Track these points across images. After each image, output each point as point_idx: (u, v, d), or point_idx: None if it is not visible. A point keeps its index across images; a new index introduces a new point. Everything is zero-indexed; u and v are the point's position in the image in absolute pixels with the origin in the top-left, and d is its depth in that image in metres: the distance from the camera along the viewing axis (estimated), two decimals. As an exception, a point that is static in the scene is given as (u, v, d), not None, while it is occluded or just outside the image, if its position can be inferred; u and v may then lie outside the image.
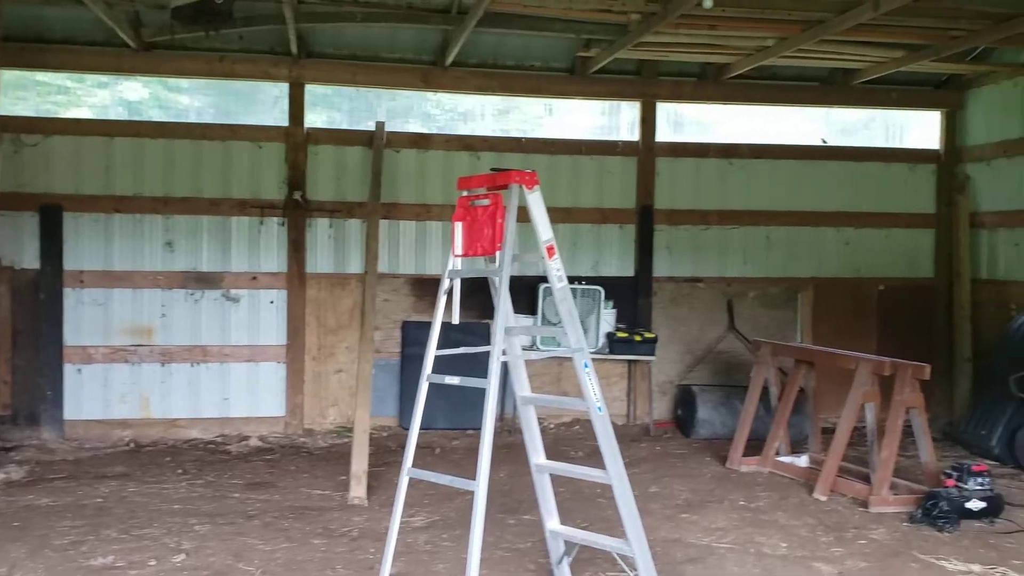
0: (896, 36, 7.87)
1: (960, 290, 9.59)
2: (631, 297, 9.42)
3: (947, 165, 9.96)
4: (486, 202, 4.49)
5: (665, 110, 9.64)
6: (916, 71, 9.15)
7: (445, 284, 4.61)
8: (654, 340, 8.94)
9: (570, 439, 8.62)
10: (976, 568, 5.30)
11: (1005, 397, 8.04)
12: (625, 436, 8.92)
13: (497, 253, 4.41)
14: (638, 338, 8.90)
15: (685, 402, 9.13)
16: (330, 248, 9.04)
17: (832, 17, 7.29)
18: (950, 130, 9.98)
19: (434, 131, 9.50)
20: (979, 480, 6.23)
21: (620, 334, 8.91)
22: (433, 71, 9.01)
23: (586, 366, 4.41)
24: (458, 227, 4.56)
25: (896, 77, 9.36)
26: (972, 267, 9.61)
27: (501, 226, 4.37)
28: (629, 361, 9.26)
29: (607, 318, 9.03)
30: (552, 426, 9.09)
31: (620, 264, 9.53)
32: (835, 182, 9.82)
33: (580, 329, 4.46)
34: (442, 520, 6.06)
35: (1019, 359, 8.09)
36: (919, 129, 10.22)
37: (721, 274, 9.67)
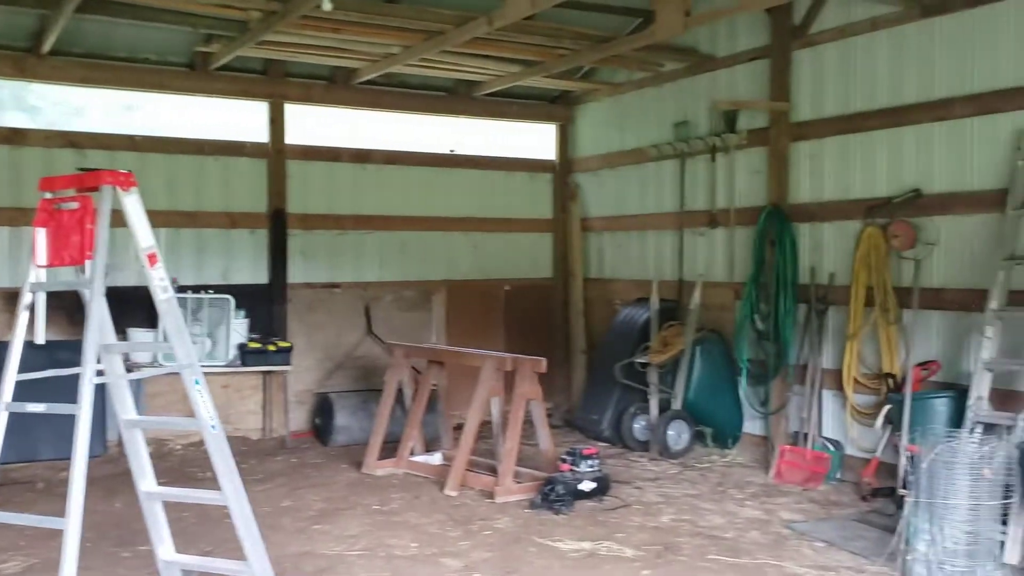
0: (511, 51, 8.38)
1: (574, 288, 10.50)
2: (265, 305, 9.13)
3: (561, 174, 10.85)
4: (74, 206, 4.06)
5: (297, 112, 9.47)
6: (533, 86, 9.84)
7: (26, 298, 4.11)
8: (289, 349, 8.74)
9: (199, 459, 8.11)
10: (587, 545, 5.78)
11: (612, 384, 8.90)
12: (261, 450, 8.65)
13: (87, 263, 4.00)
14: (272, 348, 8.64)
15: (323, 410, 9.04)
16: None
17: (451, 29, 7.60)
18: (563, 142, 10.88)
19: (41, 125, 8.51)
20: (590, 463, 6.81)
21: (253, 344, 8.59)
22: (28, 59, 8.07)
23: (197, 382, 4.16)
24: (40, 233, 4.09)
25: (516, 91, 10.01)
26: (584, 267, 10.55)
27: (91, 232, 3.98)
28: (263, 372, 8.97)
29: (239, 328, 8.66)
30: (179, 447, 8.55)
31: (253, 271, 9.20)
32: (464, 189, 10.28)
33: (189, 343, 4.20)
34: (41, 562, 5.39)
35: (622, 349, 8.99)
36: (540, 141, 10.99)
37: (358, 279, 9.70)
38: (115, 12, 7.55)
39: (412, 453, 7.80)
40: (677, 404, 8.39)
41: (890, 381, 6.91)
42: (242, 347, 8.57)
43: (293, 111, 9.40)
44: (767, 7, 7.53)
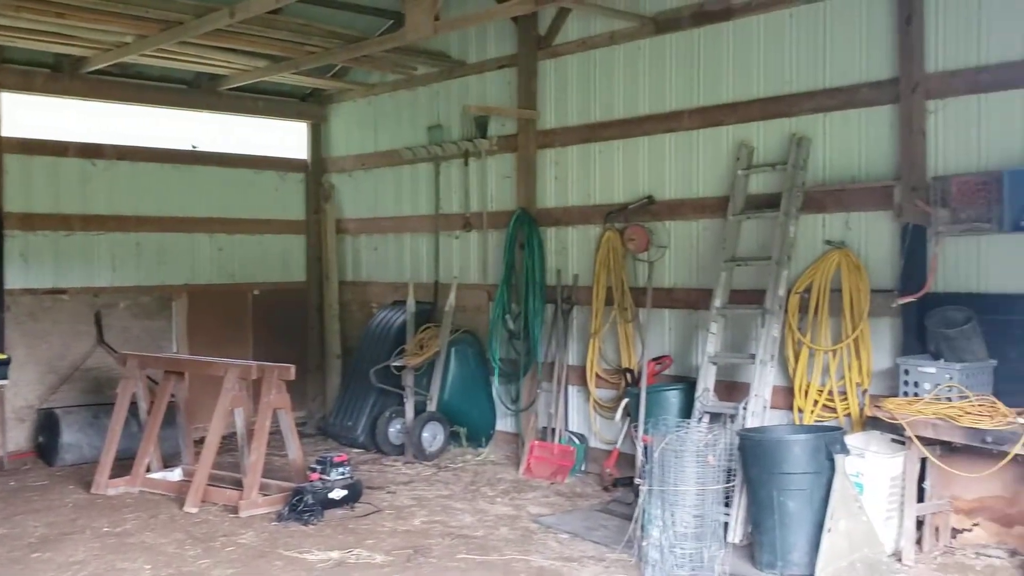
0: (257, 46, 8.06)
1: (328, 292, 10.29)
2: (-21, 314, 8.24)
3: (314, 175, 10.60)
4: None
5: (16, 102, 8.59)
6: (282, 82, 9.54)
7: None
8: (7, 361, 7.91)
9: None
10: (335, 554, 5.65)
11: (368, 388, 8.80)
12: (-27, 474, 7.79)
13: None
14: (-13, 360, 7.80)
15: (47, 427, 8.26)
16: None
17: (191, 20, 7.20)
18: (316, 141, 10.64)
19: None
20: (341, 470, 6.68)
21: (-37, 357, 7.72)
22: None
23: None
24: None
25: (265, 87, 9.67)
26: (339, 270, 10.37)
27: None
28: (-23, 387, 8.08)
29: (-54, 339, 7.75)
30: None
31: (-37, 276, 8.27)
32: (208, 188, 9.79)
33: None
34: None
35: (379, 352, 8.92)
36: (292, 139, 10.67)
37: (88, 284, 8.94)
38: None
39: (149, 470, 7.31)
40: (432, 406, 8.43)
41: (628, 376, 7.32)
42: (-52, 361, 7.66)
43: (11, 101, 8.53)
44: (512, 16, 7.74)
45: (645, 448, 5.69)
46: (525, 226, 8.15)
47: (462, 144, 8.84)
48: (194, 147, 9.79)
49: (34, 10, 6.85)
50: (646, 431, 5.99)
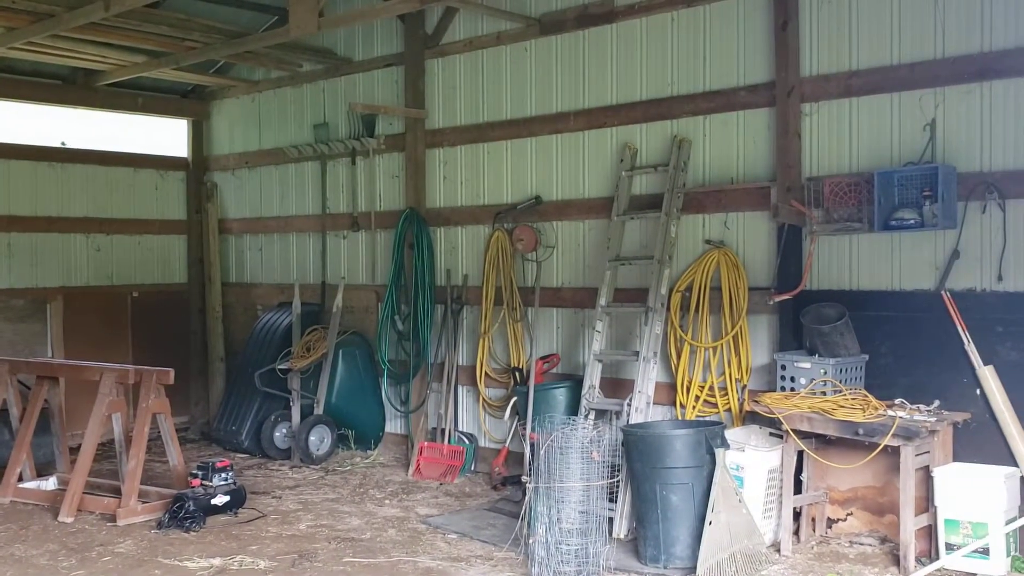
0: (134, 40, 7.79)
1: (212, 294, 10.01)
2: None
3: (196, 173, 10.30)
4: None
5: None
6: (163, 79, 9.25)
7: None
8: None
9: None
10: (217, 561, 5.50)
11: (253, 392, 8.60)
12: None
13: None
14: None
15: (-93, 438, 7.78)
16: None
17: (63, 12, 6.91)
18: (198, 139, 10.33)
19: None
20: (223, 475, 6.51)
21: None
22: None
23: None
24: None
25: (143, 82, 9.34)
26: (223, 271, 10.10)
27: None
28: None
29: None
30: None
31: None
32: (84, 187, 9.41)
33: None
34: None
35: (264, 355, 8.73)
36: (172, 136, 10.34)
37: (-48, 287, 8.51)
38: None
39: (21, 479, 6.97)
40: (320, 409, 8.30)
41: (517, 374, 7.38)
42: None
43: None
44: (398, 14, 7.69)
45: (532, 445, 5.75)
46: (414, 226, 8.11)
47: (349, 143, 8.74)
48: (63, 144, 9.36)
49: None
50: (533, 429, 6.05)
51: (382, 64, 8.53)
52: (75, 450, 7.20)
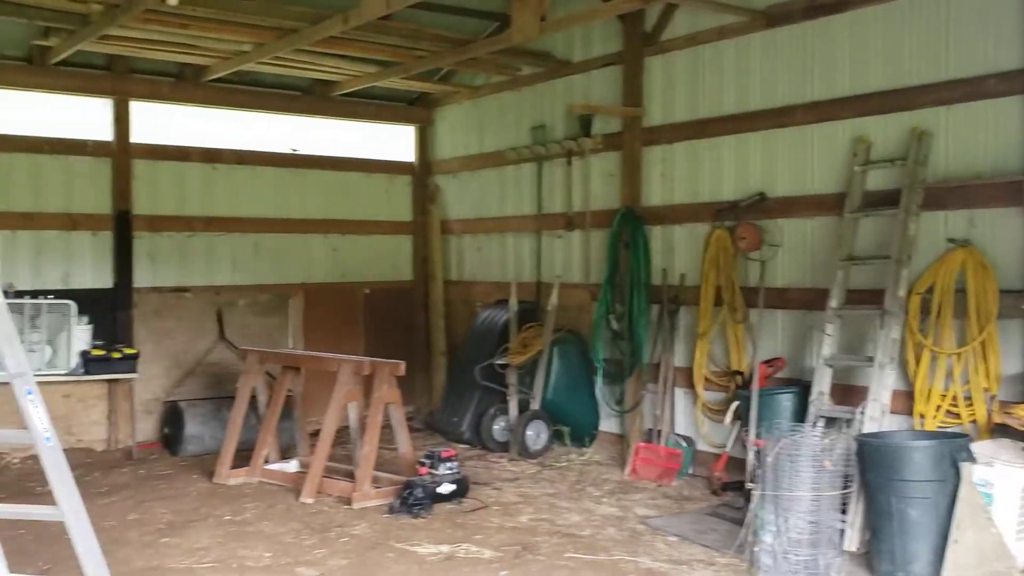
0: (369, 51, 8.27)
1: (434, 291, 10.46)
2: (110, 311, 8.68)
3: (421, 177, 10.78)
4: None
5: (144, 109, 9.04)
6: (392, 87, 9.75)
7: None
8: (135, 356, 8.33)
9: (38, 473, 7.59)
10: (445, 548, 5.74)
11: (472, 386, 8.91)
12: (106, 462, 8.21)
13: None
14: (117, 355, 8.21)
15: (172, 419, 8.66)
16: None
17: (305, 27, 7.42)
18: (423, 144, 10.83)
19: None
20: (448, 465, 6.79)
21: (96, 352, 8.14)
22: None
23: (29, 392, 3.87)
24: None
25: (374, 92, 9.89)
26: (444, 270, 10.53)
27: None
28: (108, 381, 8.51)
29: (81, 335, 8.19)
30: (17, 460, 8.02)
31: (96, 275, 8.73)
32: (320, 190, 10.08)
33: (20, 352, 3.90)
34: None
35: (482, 350, 9.02)
36: (401, 142, 10.89)
37: (210, 283, 9.35)
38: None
39: (267, 461, 7.57)
40: (536, 404, 8.47)
41: (738, 378, 7.20)
42: (85, 355, 8.11)
43: (139, 108, 8.97)
44: (618, 14, 7.70)
45: (758, 452, 5.59)
46: (630, 224, 8.10)
47: (565, 143, 8.85)
48: (294, 150, 10.07)
49: (161, 22, 7.18)
50: (758, 435, 5.89)
51: (600, 64, 8.58)
52: (313, 435, 7.75)
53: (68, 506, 3.93)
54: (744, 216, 7.29)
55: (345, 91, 9.61)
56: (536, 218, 9.33)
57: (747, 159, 7.38)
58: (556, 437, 8.52)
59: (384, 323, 10.35)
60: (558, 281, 8.83)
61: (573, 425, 8.52)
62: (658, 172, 8.10)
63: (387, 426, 7.23)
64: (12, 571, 4.21)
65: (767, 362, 6.94)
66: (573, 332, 8.71)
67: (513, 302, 9.02)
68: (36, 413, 3.91)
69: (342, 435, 7.81)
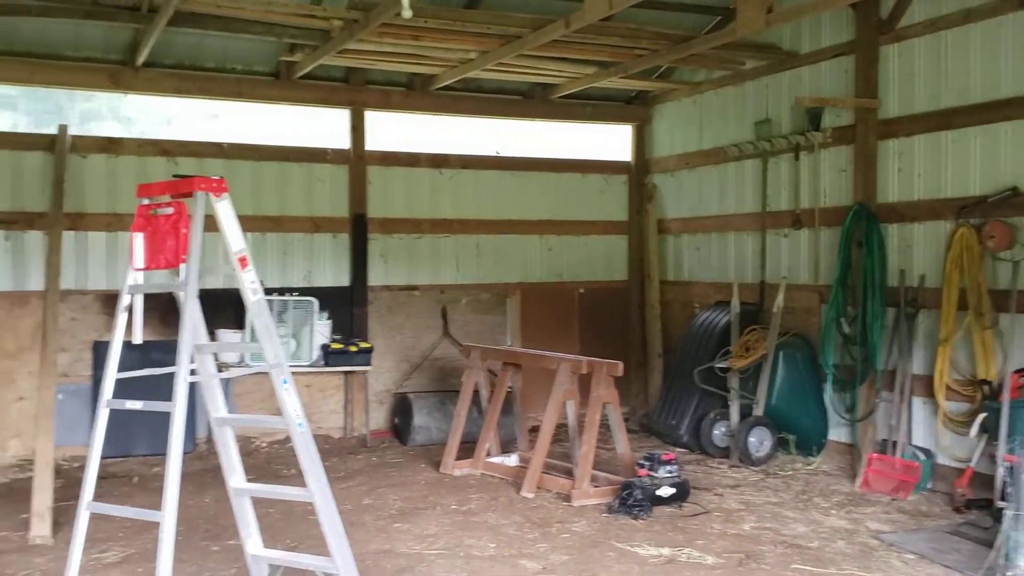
0: (588, 53, 8.34)
1: (650, 291, 10.39)
2: (347, 307, 9.28)
3: (637, 176, 10.75)
4: (169, 211, 4.19)
5: (375, 118, 9.60)
6: (608, 87, 9.78)
7: (125, 300, 4.25)
8: (370, 350, 8.86)
9: (284, 457, 8.32)
10: (666, 551, 5.70)
11: (691, 388, 8.77)
12: (342, 448, 8.78)
13: (181, 266, 4.12)
14: (354, 349, 8.77)
15: (402, 410, 9.14)
16: (6, 263, 8.13)
17: (528, 33, 7.60)
18: (639, 143, 10.79)
19: (135, 135, 8.83)
20: (668, 468, 6.73)
21: (335, 345, 8.73)
22: (123, 71, 8.36)
23: (285, 382, 4.23)
24: (138, 238, 4.23)
25: (591, 92, 9.96)
26: (661, 270, 10.44)
27: (186, 236, 4.10)
28: (345, 372, 9.11)
29: (322, 329, 8.82)
30: (265, 444, 8.75)
31: (335, 274, 9.36)
32: (538, 192, 10.28)
33: (277, 344, 4.26)
34: (138, 553, 5.60)
35: (702, 353, 8.86)
36: (614, 142, 10.94)
37: (435, 282, 9.79)
38: (205, 24, 7.73)
39: (488, 454, 7.82)
40: (759, 410, 8.21)
41: (985, 388, 6.65)
42: (325, 348, 8.72)
43: (373, 117, 9.53)
44: (852, 2, 7.32)
45: (1010, 468, 5.15)
46: (863, 222, 7.68)
47: (792, 138, 8.52)
48: (497, 152, 10.29)
49: (395, 35, 7.59)
50: (1010, 450, 5.42)
51: (830, 55, 8.20)
52: (531, 431, 7.93)
53: (316, 488, 4.25)
54: (993, 213, 6.73)
55: (564, 93, 9.74)
56: (760, 216, 9.05)
57: (996, 151, 6.81)
58: (780, 445, 8.22)
59: (598, 323, 10.41)
60: (784, 282, 8.52)
61: (799, 433, 8.19)
62: (895, 166, 7.63)
63: (603, 426, 7.26)
64: (264, 547, 4.60)
65: (1019, 372, 6.37)
66: (800, 336, 8.38)
67: (735, 303, 8.79)
68: (290, 401, 4.25)
69: (559, 432, 7.95)
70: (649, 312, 10.41)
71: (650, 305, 10.40)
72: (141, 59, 8.10)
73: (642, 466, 6.75)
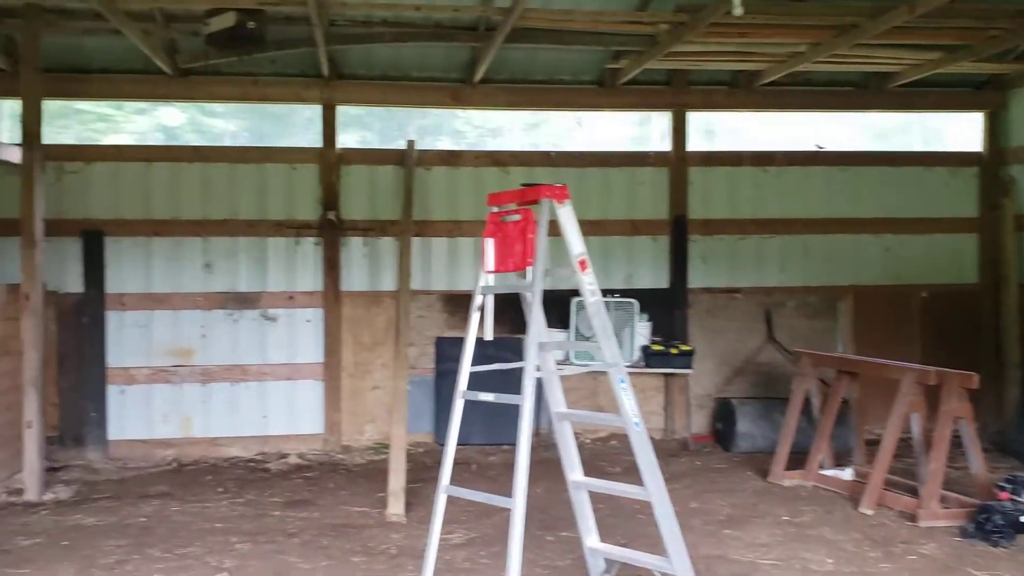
0: (932, 38, 7.72)
1: (1007, 295, 9.36)
2: (666, 309, 9.31)
3: (990, 167, 9.75)
4: (516, 217, 4.47)
5: (696, 119, 9.56)
6: (954, 72, 8.96)
7: (477, 300, 4.59)
8: (691, 353, 8.83)
9: (607, 454, 8.53)
10: (1034, 585, 5.14)
11: (1057, 405, 7.82)
12: (663, 451, 8.76)
13: (528, 268, 4.38)
14: (674, 351, 8.79)
15: (724, 415, 9.00)
16: (364, 266, 9.08)
17: (865, 21, 7.17)
18: (992, 132, 9.78)
19: (464, 148, 9.54)
20: (1034, 493, 6.05)
21: (656, 347, 8.81)
22: (463, 89, 9.03)
23: (622, 381, 4.34)
24: (489, 243, 4.55)
25: (934, 79, 9.18)
26: (1020, 271, 9.38)
27: (532, 241, 4.35)
28: (665, 374, 9.16)
29: (642, 331, 8.93)
30: (588, 441, 9.01)
31: (654, 276, 9.44)
32: (873, 188, 9.67)
33: (615, 343, 4.40)
34: (480, 537, 6.02)
35: (1070, 365, 7.87)
36: (958, 132, 10.02)
37: (759, 284, 9.54)
38: (537, 39, 8.12)
39: (821, 466, 7.48)
40: None
41: None
42: (645, 349, 8.82)
43: (693, 118, 9.49)
44: None
45: None
46: None
47: None
48: (819, 147, 9.73)
49: (721, 34, 7.51)
50: None
51: None
52: (869, 444, 7.47)
53: (653, 487, 4.32)
54: None
55: (902, 82, 9.08)
56: None
57: None
58: None
59: (944, 330, 9.56)
60: None
61: None
62: None
63: (951, 442, 6.67)
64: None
65: None
66: None
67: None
68: (627, 400, 4.35)
69: (899, 447, 7.41)
70: (1005, 318, 9.38)
71: (1006, 310, 9.36)
72: (478, 76, 8.69)
73: (1003, 489, 6.14)
